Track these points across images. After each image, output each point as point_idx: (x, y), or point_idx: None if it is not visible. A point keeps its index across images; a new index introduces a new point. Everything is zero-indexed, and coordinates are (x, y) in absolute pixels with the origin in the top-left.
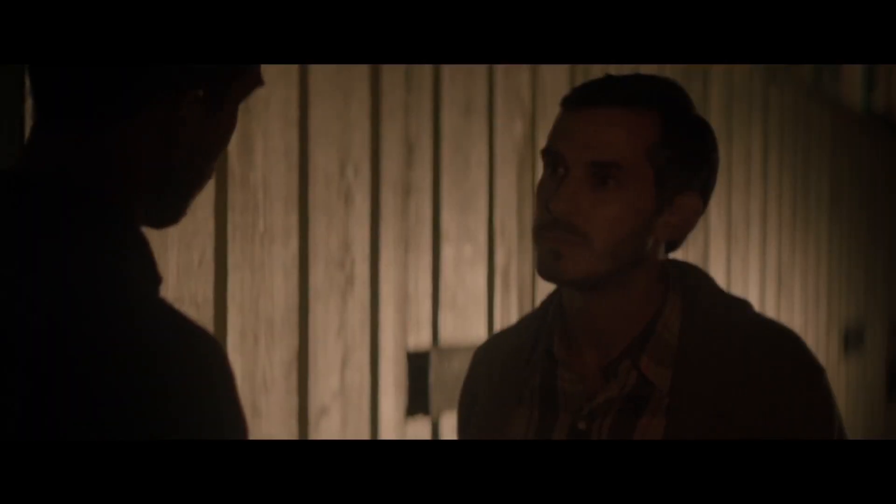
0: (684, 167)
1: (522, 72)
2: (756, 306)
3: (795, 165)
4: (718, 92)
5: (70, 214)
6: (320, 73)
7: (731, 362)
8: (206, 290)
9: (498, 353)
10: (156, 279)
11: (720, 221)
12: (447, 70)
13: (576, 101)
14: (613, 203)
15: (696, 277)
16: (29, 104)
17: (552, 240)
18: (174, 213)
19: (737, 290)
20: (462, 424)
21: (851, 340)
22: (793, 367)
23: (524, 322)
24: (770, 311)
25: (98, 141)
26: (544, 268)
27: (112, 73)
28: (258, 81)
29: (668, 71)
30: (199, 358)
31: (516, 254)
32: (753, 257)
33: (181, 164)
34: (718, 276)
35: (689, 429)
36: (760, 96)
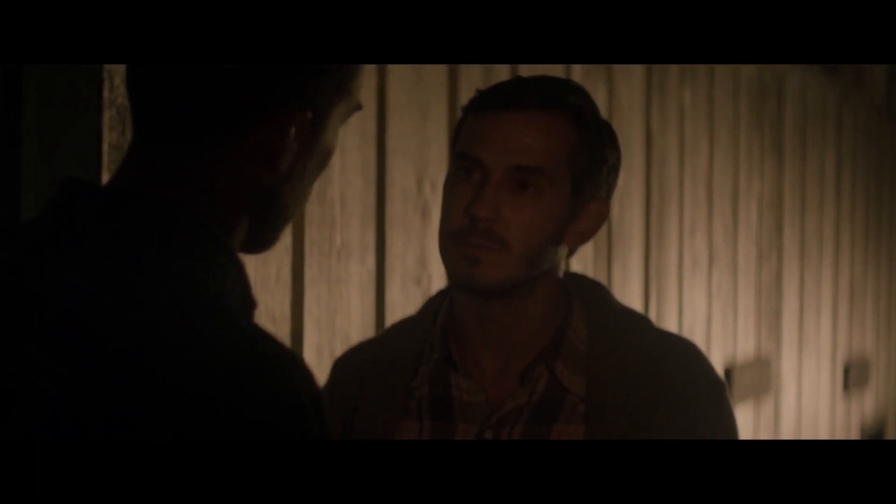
0: (597, 173)
1: (599, 83)
2: (829, 325)
3: (868, 184)
4: (792, 110)
5: (168, 235)
6: (397, 89)
7: (641, 374)
8: (283, 306)
9: (366, 365)
10: (251, 304)
11: (793, 240)
12: None
13: (488, 104)
14: (532, 209)
15: (597, 290)
16: (107, 116)
17: (470, 246)
18: (270, 238)
19: (810, 309)
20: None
21: None
22: (699, 381)
23: (394, 333)
24: (842, 331)
25: (202, 162)
26: (459, 274)
27: (224, 93)
28: (358, 106)
29: (743, 86)
30: (290, 386)
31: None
32: (826, 277)
33: (282, 188)
34: (791, 294)
35: (608, 436)
36: (834, 115)
